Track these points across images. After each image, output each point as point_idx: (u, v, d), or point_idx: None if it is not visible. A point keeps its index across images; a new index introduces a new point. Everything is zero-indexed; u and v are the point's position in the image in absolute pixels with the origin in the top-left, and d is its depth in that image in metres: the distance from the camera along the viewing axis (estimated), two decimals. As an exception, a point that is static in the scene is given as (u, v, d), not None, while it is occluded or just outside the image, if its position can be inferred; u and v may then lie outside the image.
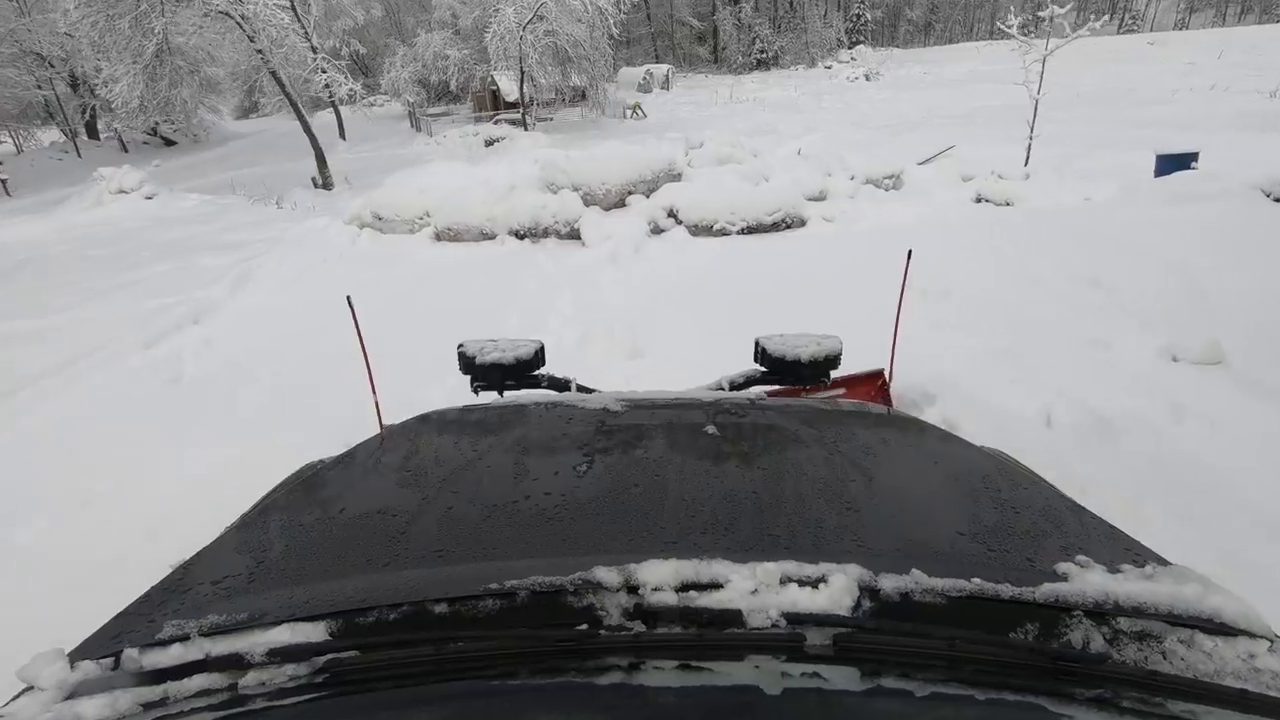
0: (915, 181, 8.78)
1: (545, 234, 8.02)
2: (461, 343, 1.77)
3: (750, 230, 7.97)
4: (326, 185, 17.09)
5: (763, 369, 1.79)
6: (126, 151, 30.08)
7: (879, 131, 17.76)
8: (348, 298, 1.91)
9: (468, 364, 1.74)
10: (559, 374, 1.80)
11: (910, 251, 1.96)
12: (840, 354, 1.74)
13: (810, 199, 8.30)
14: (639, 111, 26.83)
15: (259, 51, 15.89)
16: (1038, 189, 8.64)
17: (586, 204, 8.10)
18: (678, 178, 8.51)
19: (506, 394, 1.73)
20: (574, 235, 7.92)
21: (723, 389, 1.79)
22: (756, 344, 1.79)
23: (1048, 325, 4.52)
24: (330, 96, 18.97)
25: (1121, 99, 20.70)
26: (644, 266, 6.97)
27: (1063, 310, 4.72)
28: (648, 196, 8.22)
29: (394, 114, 33.56)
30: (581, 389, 1.76)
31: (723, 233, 7.90)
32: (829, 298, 5.26)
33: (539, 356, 1.76)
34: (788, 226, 8.12)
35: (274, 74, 16.39)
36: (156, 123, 30.71)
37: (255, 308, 6.40)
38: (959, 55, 43.08)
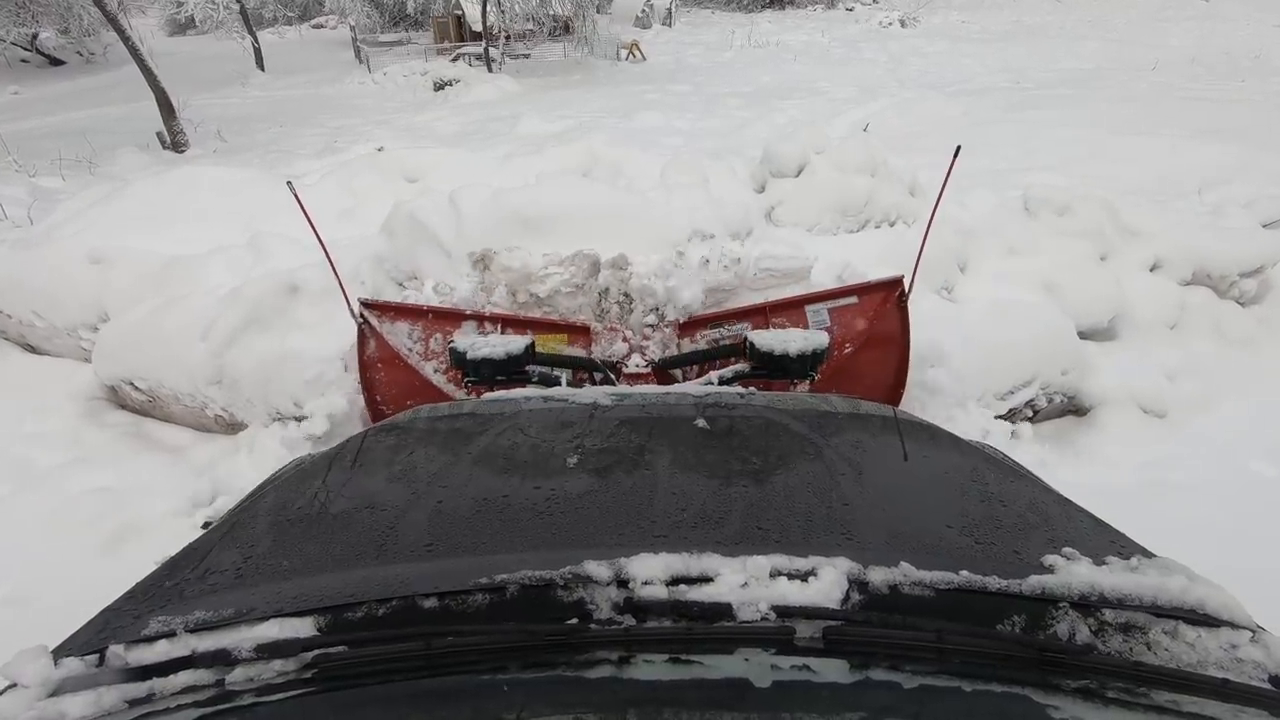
0: (1290, 284, 3.76)
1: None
2: (452, 338, 1.82)
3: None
4: (176, 145, 11.54)
5: (751, 364, 1.77)
6: (-7, 71, 23.97)
7: (981, 102, 11.82)
8: (289, 182, 1.91)
9: (459, 359, 1.72)
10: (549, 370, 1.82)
11: (959, 147, 1.95)
12: (826, 349, 1.76)
13: (1084, 333, 3.25)
14: (636, 52, 21.16)
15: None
16: None
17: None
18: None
19: (497, 389, 1.72)
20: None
21: (711, 383, 1.77)
22: (745, 339, 1.80)
23: None
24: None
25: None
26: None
27: None
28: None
29: (343, 39, 27.30)
30: (571, 384, 1.76)
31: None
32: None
33: (529, 352, 1.75)
34: (1036, 413, 3.12)
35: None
36: (35, 34, 24.62)
37: None
38: (996, 2, 36.87)
